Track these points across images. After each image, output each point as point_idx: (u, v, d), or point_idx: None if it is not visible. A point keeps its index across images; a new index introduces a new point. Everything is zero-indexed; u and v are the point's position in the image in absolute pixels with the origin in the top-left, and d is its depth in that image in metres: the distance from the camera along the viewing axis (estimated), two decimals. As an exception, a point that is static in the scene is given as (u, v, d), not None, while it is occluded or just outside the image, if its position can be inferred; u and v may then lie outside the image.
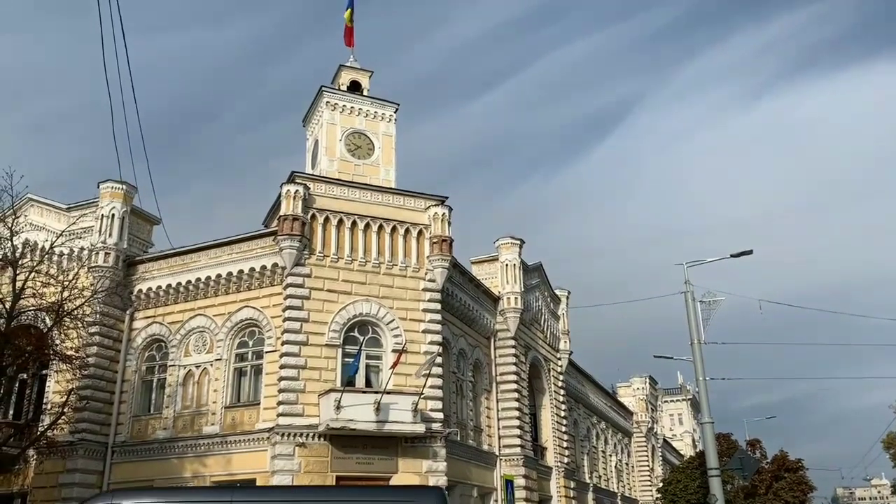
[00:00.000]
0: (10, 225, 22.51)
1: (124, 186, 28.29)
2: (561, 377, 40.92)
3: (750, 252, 25.75)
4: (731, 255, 25.84)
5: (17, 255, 23.37)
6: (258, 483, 23.44)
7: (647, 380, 66.74)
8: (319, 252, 26.21)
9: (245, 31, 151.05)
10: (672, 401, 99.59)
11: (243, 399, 26.27)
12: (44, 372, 27.73)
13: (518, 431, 32.83)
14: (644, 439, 63.74)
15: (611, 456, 54.84)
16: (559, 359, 41.30)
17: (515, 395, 33.34)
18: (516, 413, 33.06)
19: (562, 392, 40.55)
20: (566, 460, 39.08)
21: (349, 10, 32.72)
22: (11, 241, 22.82)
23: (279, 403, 24.27)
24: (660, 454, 68.41)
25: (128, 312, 28.40)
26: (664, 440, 73.62)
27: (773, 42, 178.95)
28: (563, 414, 40.15)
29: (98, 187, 28.61)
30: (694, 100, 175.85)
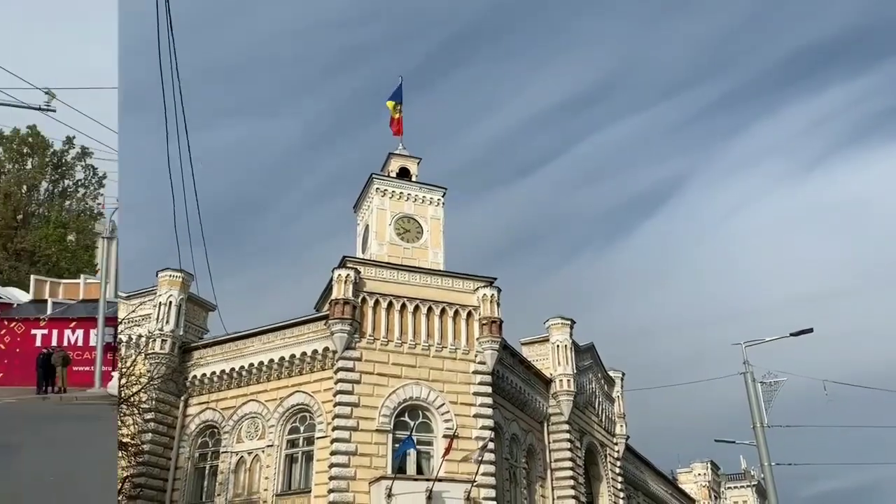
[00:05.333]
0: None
1: (182, 274, 29.10)
2: (618, 463, 39.51)
3: (810, 331, 24.90)
4: (791, 334, 24.99)
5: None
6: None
7: (709, 465, 64.04)
8: (370, 335, 26.32)
9: (298, 120, 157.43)
10: (736, 487, 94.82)
11: (294, 486, 25.98)
12: (99, 459, 28.02)
13: (575, 521, 31.57)
14: (708, 529, 60.62)
15: (674, 547, 52.16)
16: (616, 444, 39.98)
17: (571, 482, 32.21)
18: (573, 502, 31.79)
19: (619, 479, 39.06)
20: (626, 552, 37.29)
21: (393, 102, 33.97)
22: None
23: (330, 491, 23.88)
24: (726, 546, 64.83)
25: (182, 399, 28.73)
26: (730, 530, 69.83)
27: (824, 116, 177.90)
28: (621, 502, 38.53)
29: (156, 276, 29.51)
30: (743, 176, 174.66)
